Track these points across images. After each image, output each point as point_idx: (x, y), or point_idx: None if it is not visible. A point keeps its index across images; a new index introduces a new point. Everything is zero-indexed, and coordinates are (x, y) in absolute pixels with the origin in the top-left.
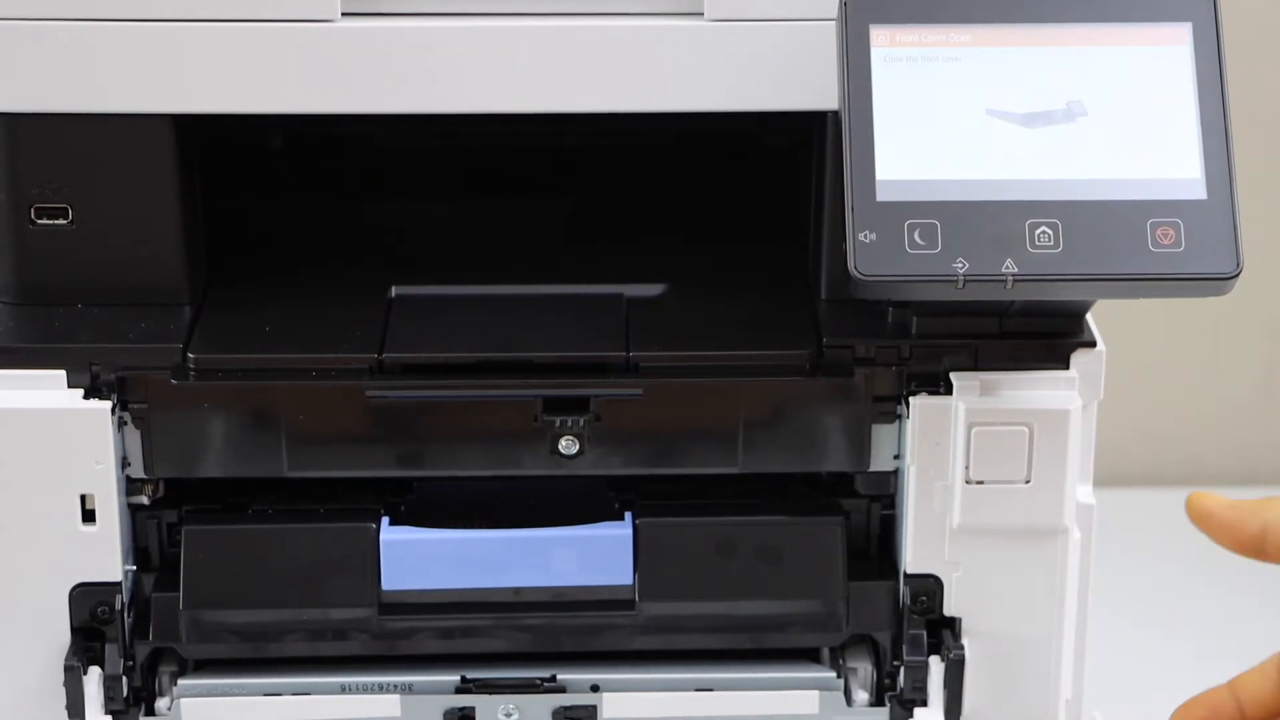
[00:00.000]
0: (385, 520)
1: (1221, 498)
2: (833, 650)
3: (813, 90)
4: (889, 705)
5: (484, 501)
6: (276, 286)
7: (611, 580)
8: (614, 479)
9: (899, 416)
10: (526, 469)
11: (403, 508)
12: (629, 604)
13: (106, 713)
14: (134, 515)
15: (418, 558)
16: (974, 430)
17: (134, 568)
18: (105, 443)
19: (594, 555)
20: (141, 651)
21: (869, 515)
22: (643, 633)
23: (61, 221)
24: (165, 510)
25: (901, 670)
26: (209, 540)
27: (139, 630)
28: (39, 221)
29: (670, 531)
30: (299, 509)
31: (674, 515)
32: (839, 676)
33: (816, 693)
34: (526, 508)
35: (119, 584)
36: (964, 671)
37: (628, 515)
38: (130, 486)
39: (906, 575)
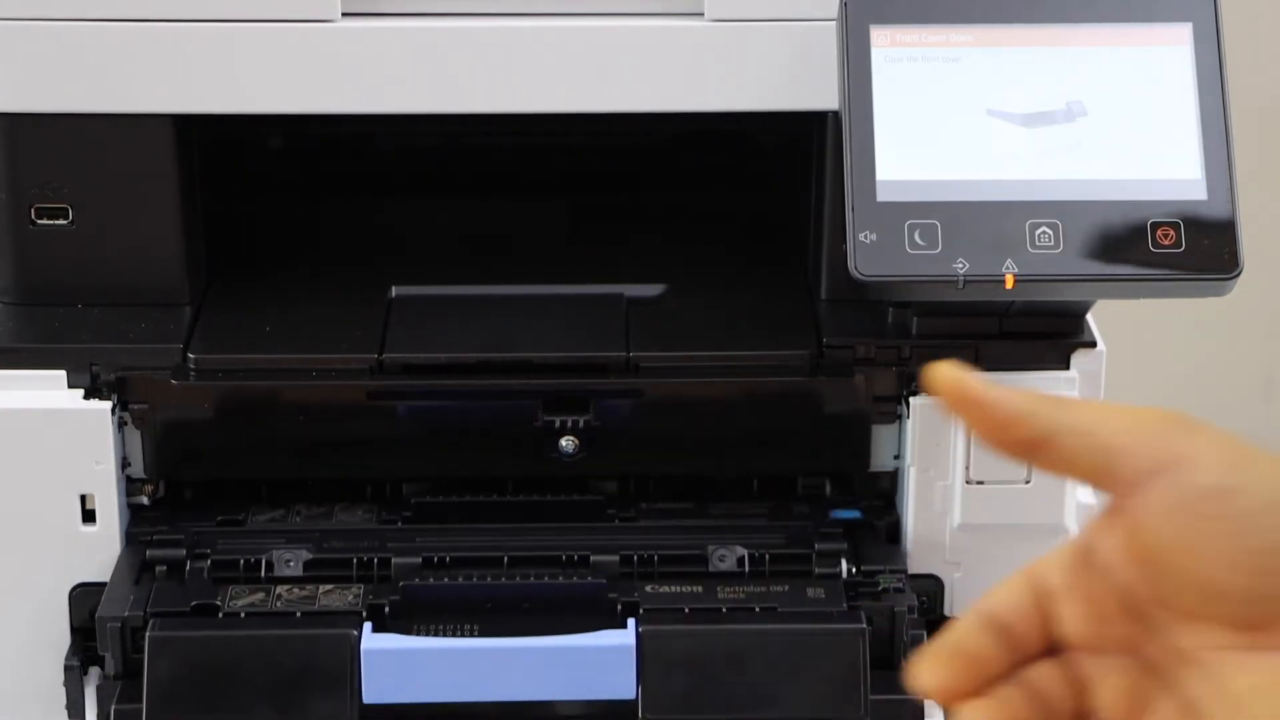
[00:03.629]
0: (368, 626)
1: (982, 383)
2: None
3: (813, 90)
4: None
5: (473, 603)
6: (276, 286)
7: (612, 694)
8: (614, 483)
9: (899, 416)
10: (526, 469)
11: (386, 609)
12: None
13: None
14: (134, 515)
15: (401, 669)
16: None
17: None
18: (105, 443)
19: (593, 666)
20: None
21: (893, 620)
22: None
23: (61, 221)
24: (131, 614)
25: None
26: (174, 648)
27: None
28: (39, 221)
29: (677, 640)
30: (274, 613)
31: (680, 622)
32: None
33: None
34: (519, 611)
35: None
36: None
37: (630, 622)
38: (130, 486)
39: (907, 576)
